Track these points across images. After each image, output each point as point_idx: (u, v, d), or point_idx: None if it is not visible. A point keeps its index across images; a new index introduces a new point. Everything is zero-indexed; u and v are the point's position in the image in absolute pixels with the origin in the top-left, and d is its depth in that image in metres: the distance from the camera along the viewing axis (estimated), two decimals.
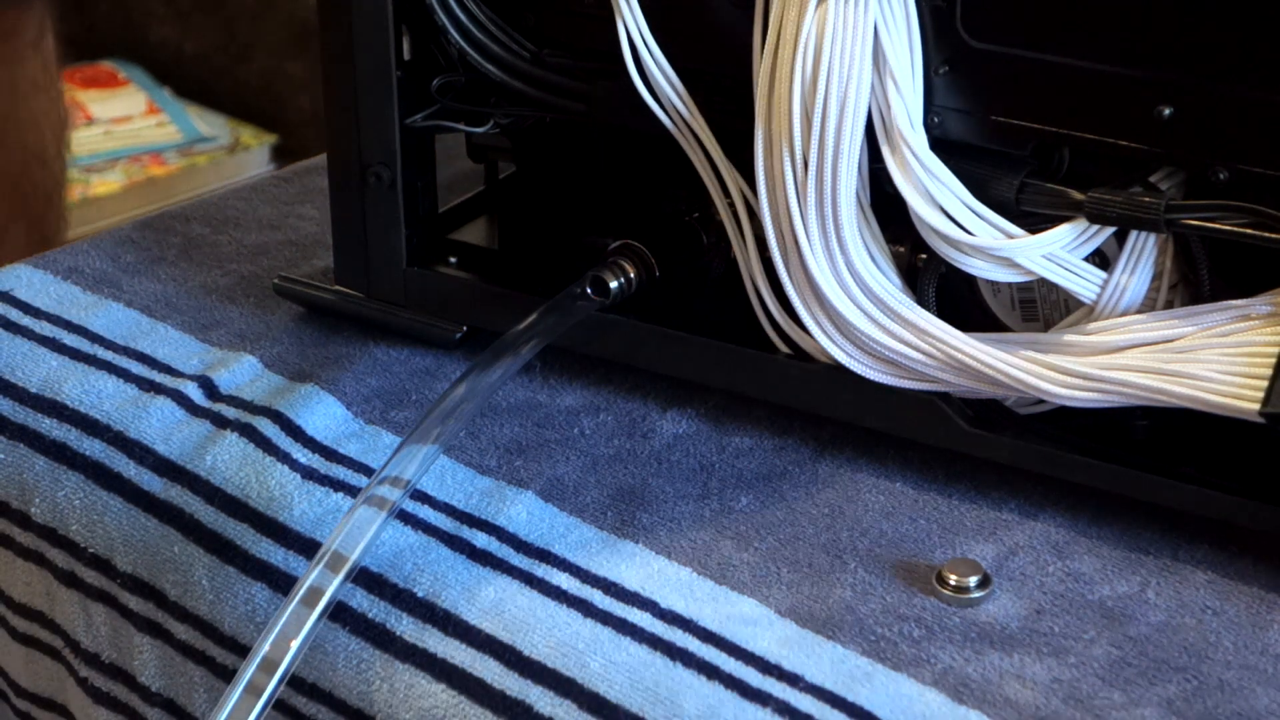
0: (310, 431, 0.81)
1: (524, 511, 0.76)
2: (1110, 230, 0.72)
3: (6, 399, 0.85)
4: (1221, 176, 0.70)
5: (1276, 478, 0.71)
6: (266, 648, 0.68)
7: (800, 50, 0.72)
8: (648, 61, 0.77)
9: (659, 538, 0.75)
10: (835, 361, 0.77)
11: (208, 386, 0.84)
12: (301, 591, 0.69)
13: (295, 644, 0.68)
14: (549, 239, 0.91)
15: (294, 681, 0.74)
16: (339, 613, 0.73)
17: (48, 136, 1.54)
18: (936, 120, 0.73)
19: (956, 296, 0.77)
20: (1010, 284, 0.76)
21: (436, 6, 0.81)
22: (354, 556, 0.70)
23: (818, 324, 0.76)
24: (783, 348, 0.79)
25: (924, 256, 0.76)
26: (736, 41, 0.75)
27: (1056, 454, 0.75)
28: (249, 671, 0.67)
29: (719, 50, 0.76)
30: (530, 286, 0.84)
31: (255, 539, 0.77)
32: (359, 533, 0.70)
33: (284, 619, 0.68)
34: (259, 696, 0.67)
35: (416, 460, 0.73)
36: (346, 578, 0.70)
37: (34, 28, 1.50)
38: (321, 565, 0.69)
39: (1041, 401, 0.76)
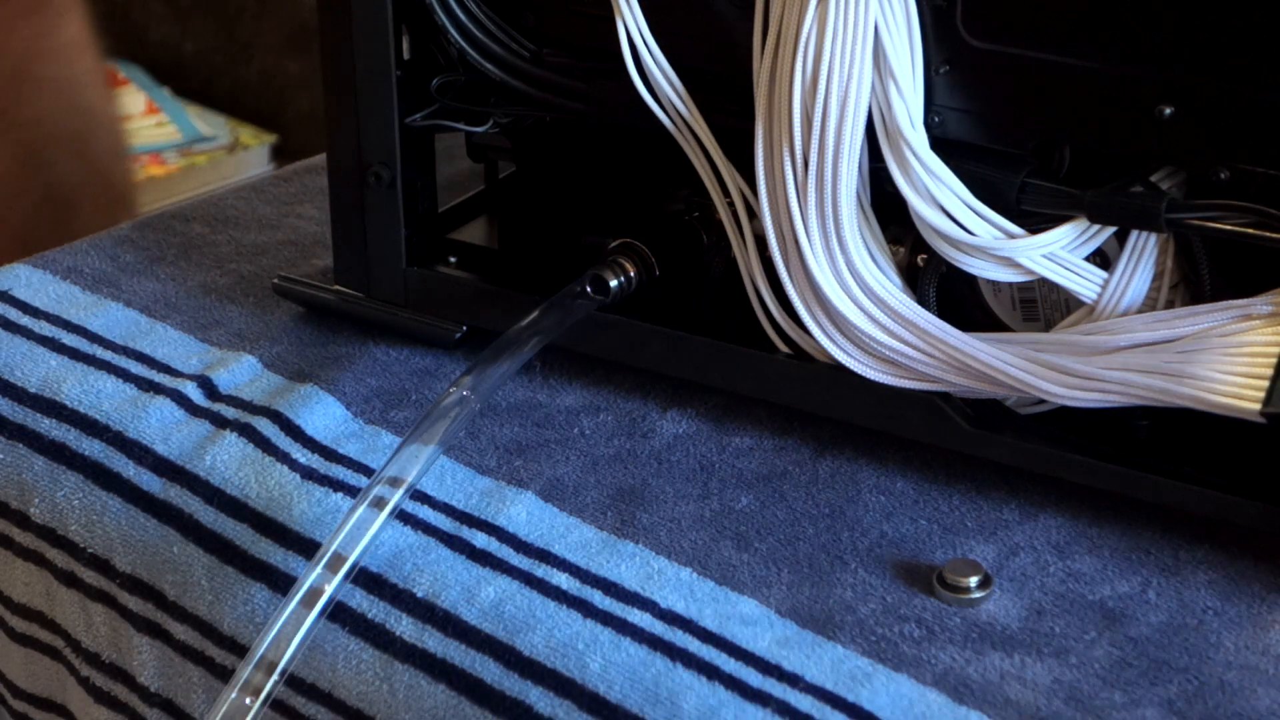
0: (310, 431, 0.81)
1: (524, 511, 0.76)
2: (1111, 230, 0.72)
3: (6, 399, 0.85)
4: (1222, 176, 0.70)
5: (1276, 478, 0.71)
6: (264, 649, 0.68)
7: (800, 50, 0.72)
8: (648, 61, 0.77)
9: (659, 538, 0.75)
10: (835, 361, 0.77)
11: (207, 386, 0.84)
12: (301, 592, 0.69)
13: (293, 645, 0.68)
14: (549, 239, 0.91)
15: (293, 681, 0.74)
16: (339, 613, 0.73)
17: (98, 96, 1.52)
18: (937, 120, 0.73)
19: (957, 296, 0.77)
20: (1011, 284, 0.76)
21: (436, 6, 0.81)
22: (353, 558, 0.70)
23: (818, 324, 0.76)
24: (783, 348, 0.79)
25: (924, 256, 0.76)
26: (736, 41, 0.75)
27: (1057, 454, 0.75)
28: (245, 672, 0.67)
29: (719, 50, 0.76)
30: (530, 286, 0.84)
31: (254, 539, 0.77)
32: (357, 535, 0.70)
33: (281, 621, 0.68)
34: (256, 696, 0.67)
35: (417, 461, 0.73)
36: (346, 578, 0.70)
37: None
38: (321, 566, 0.69)
39: (1042, 401, 0.76)
